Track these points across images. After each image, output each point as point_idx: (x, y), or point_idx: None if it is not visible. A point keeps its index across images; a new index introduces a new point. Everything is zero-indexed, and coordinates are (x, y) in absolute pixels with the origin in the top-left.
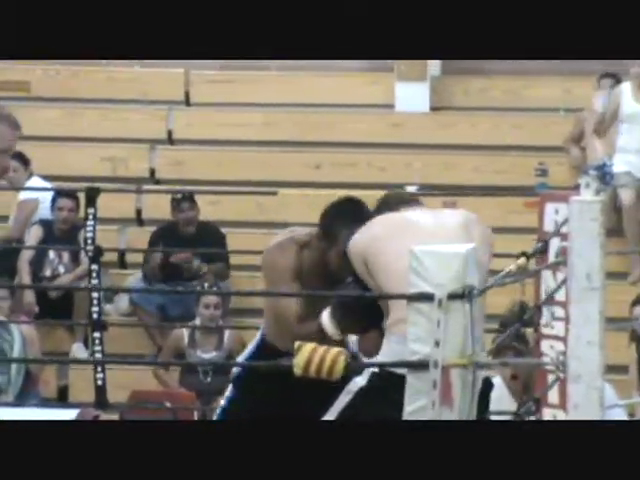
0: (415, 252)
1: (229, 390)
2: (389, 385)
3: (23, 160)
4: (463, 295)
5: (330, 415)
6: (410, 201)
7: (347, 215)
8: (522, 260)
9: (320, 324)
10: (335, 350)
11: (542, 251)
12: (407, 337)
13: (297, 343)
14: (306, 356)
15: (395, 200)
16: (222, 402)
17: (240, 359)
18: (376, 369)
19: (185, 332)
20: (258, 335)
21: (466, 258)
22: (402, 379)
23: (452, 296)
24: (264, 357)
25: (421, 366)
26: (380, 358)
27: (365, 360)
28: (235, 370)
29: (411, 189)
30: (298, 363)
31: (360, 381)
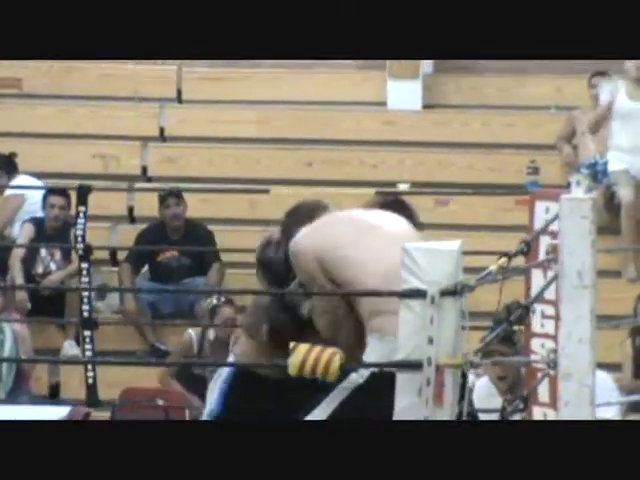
0: (407, 248)
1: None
2: (387, 384)
3: (6, 164)
4: (455, 292)
5: (322, 411)
6: (326, 207)
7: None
8: (503, 260)
9: None
10: (330, 350)
11: (524, 252)
12: (398, 335)
13: (292, 343)
14: (301, 356)
15: (311, 207)
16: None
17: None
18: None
19: (194, 339)
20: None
21: (458, 255)
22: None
23: (445, 293)
24: (244, 384)
25: (415, 365)
26: (376, 357)
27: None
28: (214, 401)
29: (403, 187)
30: (293, 362)
31: (357, 378)
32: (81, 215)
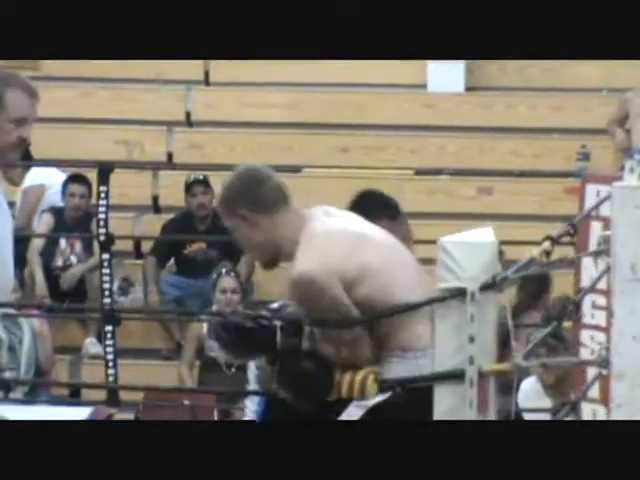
0: (443, 243)
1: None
2: (410, 401)
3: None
4: (494, 284)
5: None
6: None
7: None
8: (547, 244)
9: None
10: (362, 371)
11: (570, 234)
12: (437, 337)
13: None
14: (335, 381)
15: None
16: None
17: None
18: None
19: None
20: None
21: (495, 247)
22: (425, 392)
23: (484, 287)
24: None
25: (456, 376)
26: (403, 375)
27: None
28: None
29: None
30: None
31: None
32: (103, 196)
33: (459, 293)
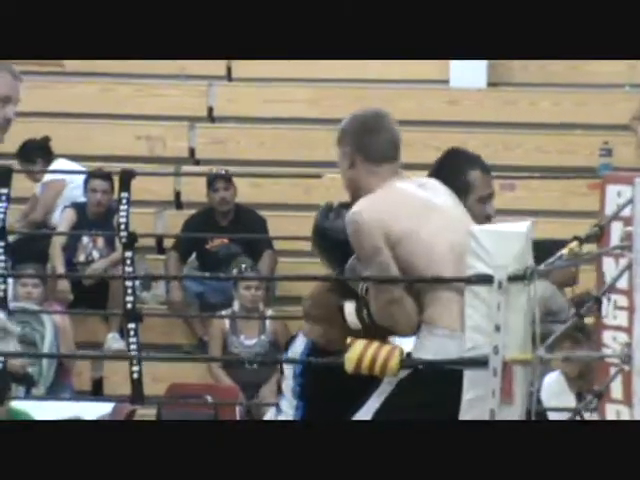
0: (473, 231)
1: (295, 405)
2: (434, 376)
3: (41, 149)
4: (524, 276)
5: (370, 407)
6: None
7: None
8: (574, 244)
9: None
10: (388, 347)
11: (597, 236)
12: (466, 324)
13: (349, 339)
14: (358, 352)
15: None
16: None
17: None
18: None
19: (226, 321)
20: (302, 341)
21: (527, 237)
22: (450, 371)
23: (513, 278)
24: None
25: (480, 363)
26: (426, 352)
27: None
28: (292, 384)
29: None
30: (350, 358)
31: (401, 372)
32: (124, 202)
33: (486, 280)
